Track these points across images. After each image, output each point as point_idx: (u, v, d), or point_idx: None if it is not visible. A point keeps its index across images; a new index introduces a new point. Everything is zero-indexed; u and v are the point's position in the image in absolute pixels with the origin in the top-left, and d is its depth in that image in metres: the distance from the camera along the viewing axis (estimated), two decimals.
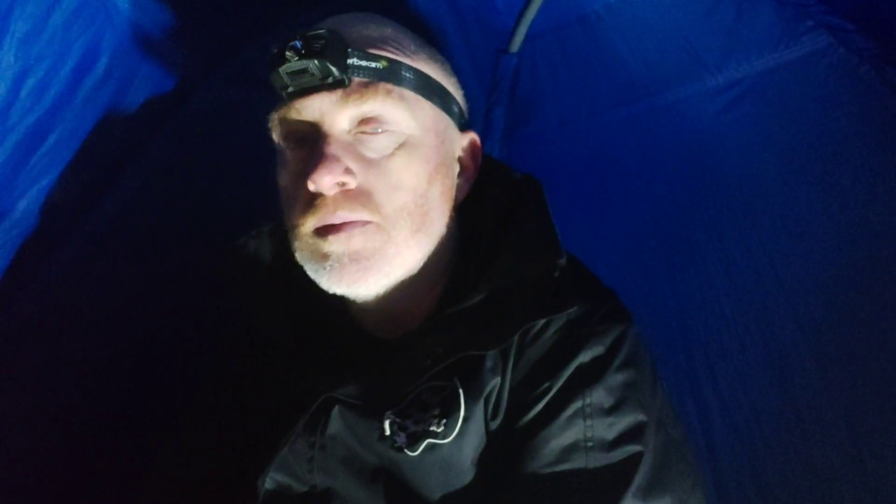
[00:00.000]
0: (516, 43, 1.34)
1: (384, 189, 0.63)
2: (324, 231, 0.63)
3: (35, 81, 0.71)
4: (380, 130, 0.64)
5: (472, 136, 0.73)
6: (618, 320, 0.67)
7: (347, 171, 0.62)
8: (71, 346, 0.83)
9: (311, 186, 0.61)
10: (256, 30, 0.96)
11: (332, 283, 0.64)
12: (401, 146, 0.64)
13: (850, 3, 1.04)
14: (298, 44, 0.60)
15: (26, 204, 0.76)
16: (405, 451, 0.63)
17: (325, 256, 0.63)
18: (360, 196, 0.63)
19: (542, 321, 0.65)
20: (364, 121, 0.64)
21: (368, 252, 0.63)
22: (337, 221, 0.62)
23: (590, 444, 0.60)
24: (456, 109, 0.71)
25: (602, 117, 1.32)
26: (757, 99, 1.14)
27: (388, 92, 0.63)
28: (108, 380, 0.85)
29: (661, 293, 1.16)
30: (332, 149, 0.62)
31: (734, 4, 1.15)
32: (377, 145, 0.64)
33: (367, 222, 0.63)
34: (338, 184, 0.62)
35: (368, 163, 0.63)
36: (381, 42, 0.65)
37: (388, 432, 0.64)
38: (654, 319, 1.13)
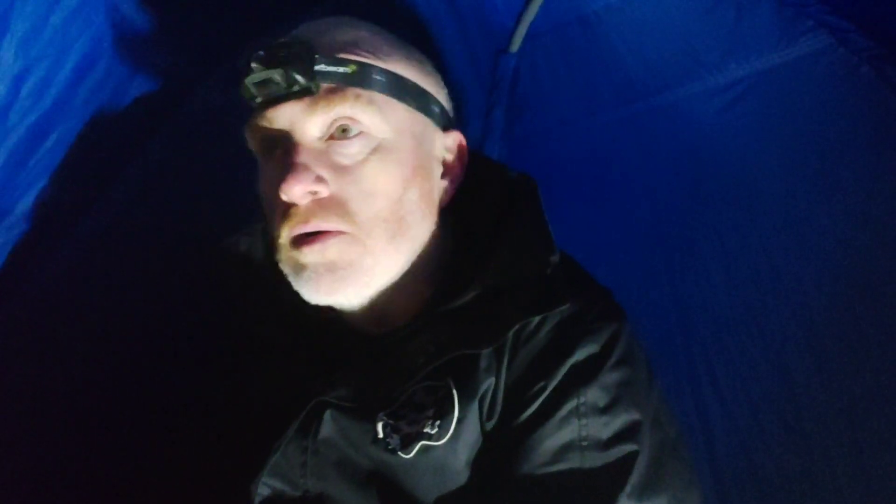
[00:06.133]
0: (516, 43, 1.34)
1: (358, 196, 0.62)
2: (299, 241, 0.62)
3: (35, 81, 0.71)
4: (351, 136, 0.63)
5: (456, 135, 0.71)
6: (612, 318, 0.66)
7: (318, 179, 0.61)
8: (70, 347, 0.83)
9: (283, 196, 0.60)
10: (256, 30, 0.96)
11: (311, 293, 0.64)
12: (374, 151, 0.63)
13: (850, 3, 1.04)
14: (263, 53, 0.61)
15: (26, 204, 0.76)
16: (399, 453, 0.62)
17: (302, 267, 0.63)
18: (333, 205, 0.62)
19: (537, 320, 0.64)
20: (335, 127, 0.63)
21: (345, 263, 0.62)
22: (310, 230, 0.62)
23: (585, 443, 0.60)
24: (437, 109, 0.69)
25: (602, 117, 1.32)
26: (757, 99, 1.14)
27: (357, 96, 0.62)
28: (107, 380, 0.85)
29: (661, 293, 1.16)
30: (303, 157, 0.61)
31: (734, 4, 1.15)
32: (349, 151, 0.63)
33: (342, 232, 0.62)
34: (309, 192, 0.61)
35: (342, 170, 0.62)
36: (352, 46, 0.64)
37: (381, 434, 0.63)
38: (654, 319, 1.13)
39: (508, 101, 1.38)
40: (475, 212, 0.72)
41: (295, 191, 0.60)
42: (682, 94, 1.22)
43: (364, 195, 0.62)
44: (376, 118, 0.63)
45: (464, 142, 0.71)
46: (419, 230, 0.67)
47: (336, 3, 0.90)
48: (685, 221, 1.18)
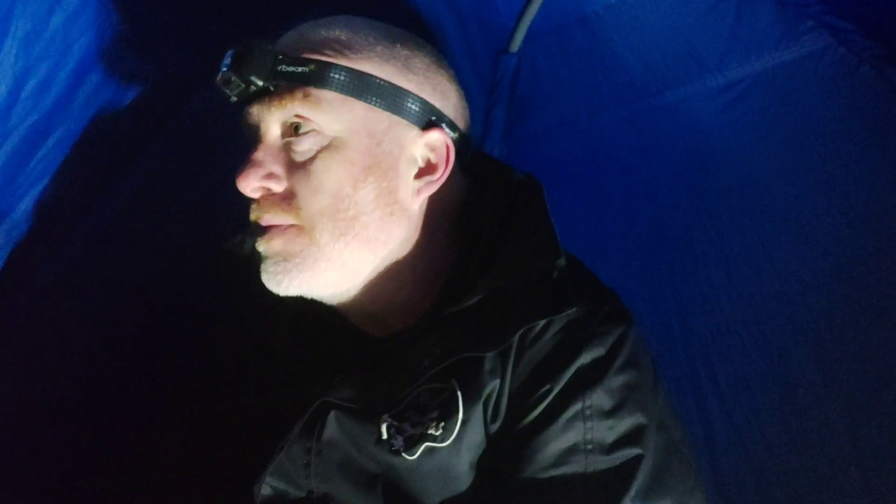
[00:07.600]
0: (516, 43, 1.34)
1: (305, 191, 0.64)
2: (259, 232, 0.67)
3: (36, 82, 0.71)
4: (302, 133, 0.65)
5: (439, 134, 0.68)
6: (619, 321, 0.66)
7: (270, 175, 0.65)
8: (70, 347, 0.83)
9: (240, 189, 0.65)
10: (257, 30, 0.96)
11: (265, 281, 0.67)
12: (324, 148, 0.64)
13: (850, 3, 1.05)
14: (228, 55, 0.64)
15: (26, 204, 0.76)
16: (403, 454, 0.62)
17: (261, 257, 0.67)
18: (283, 200, 0.65)
19: (542, 323, 0.64)
20: (289, 125, 0.65)
21: (288, 254, 0.65)
22: (263, 224, 0.66)
23: (589, 446, 0.59)
24: (414, 107, 0.67)
25: (602, 117, 1.32)
26: (757, 99, 1.14)
27: (306, 95, 0.63)
28: (107, 381, 0.85)
29: (661, 293, 1.16)
30: (258, 154, 0.65)
31: (734, 4, 1.15)
32: (301, 148, 0.65)
33: (291, 226, 0.65)
34: (261, 188, 0.65)
35: (295, 166, 0.65)
36: (319, 45, 0.65)
37: (384, 436, 0.63)
38: (654, 319, 1.13)
39: (508, 101, 1.38)
40: (480, 213, 0.72)
41: (243, 185, 0.64)
42: (682, 94, 1.22)
43: (311, 190, 0.64)
44: (327, 116, 0.64)
45: (449, 141, 0.69)
46: (382, 231, 0.66)
47: (335, 3, 0.90)
48: (685, 221, 1.18)
